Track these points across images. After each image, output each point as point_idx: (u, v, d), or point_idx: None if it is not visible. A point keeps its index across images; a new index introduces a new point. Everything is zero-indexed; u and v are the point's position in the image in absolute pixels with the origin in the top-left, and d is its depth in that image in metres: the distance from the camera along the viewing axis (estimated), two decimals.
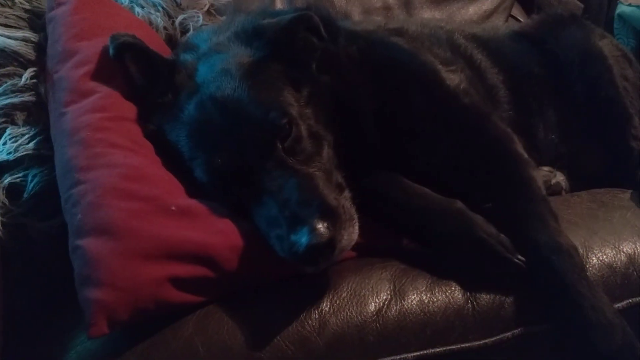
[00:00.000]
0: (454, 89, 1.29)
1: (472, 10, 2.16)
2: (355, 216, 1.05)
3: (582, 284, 1.05)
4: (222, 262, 0.96)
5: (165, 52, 1.31)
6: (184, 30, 1.57)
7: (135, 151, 1.03)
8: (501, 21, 2.17)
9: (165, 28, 1.56)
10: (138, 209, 0.95)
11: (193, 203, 1.02)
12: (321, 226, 0.95)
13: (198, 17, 1.57)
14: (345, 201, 1.06)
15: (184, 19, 1.57)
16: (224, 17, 1.69)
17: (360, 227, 1.05)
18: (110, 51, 1.12)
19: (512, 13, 2.24)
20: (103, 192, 0.95)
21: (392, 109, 1.24)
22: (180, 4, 1.61)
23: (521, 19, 2.19)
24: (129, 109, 1.11)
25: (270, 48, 1.15)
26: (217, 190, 1.06)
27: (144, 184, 0.99)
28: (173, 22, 1.58)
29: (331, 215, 0.98)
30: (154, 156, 1.07)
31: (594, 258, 1.16)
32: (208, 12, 1.68)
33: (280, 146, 1.06)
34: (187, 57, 1.18)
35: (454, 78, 1.31)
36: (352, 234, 1.02)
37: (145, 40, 1.18)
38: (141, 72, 1.16)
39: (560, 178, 1.50)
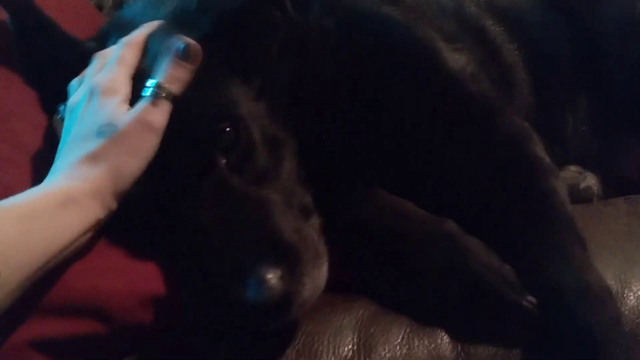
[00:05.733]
0: (457, 73, 1.02)
1: None
2: (324, 252, 0.81)
3: (616, 342, 0.78)
4: (115, 314, 0.71)
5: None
6: None
7: (16, 163, 0.79)
8: None
9: None
10: None
11: None
12: (272, 276, 0.70)
13: None
14: (311, 231, 0.82)
15: None
16: None
17: None
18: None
19: None
20: None
21: (374, 100, 0.97)
22: None
23: None
24: (19, 102, 0.86)
25: (214, 27, 0.88)
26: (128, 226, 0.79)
27: None
28: None
29: (288, 256, 0.74)
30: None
31: (631, 297, 0.88)
32: None
33: (224, 161, 0.80)
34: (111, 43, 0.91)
35: (458, 59, 1.04)
36: (317, 279, 0.77)
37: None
38: (44, 52, 0.91)
39: (591, 181, 1.24)
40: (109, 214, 0.73)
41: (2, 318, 0.63)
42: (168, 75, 0.78)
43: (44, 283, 0.68)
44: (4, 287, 0.60)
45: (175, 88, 0.78)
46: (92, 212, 0.70)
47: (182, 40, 0.80)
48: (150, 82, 0.78)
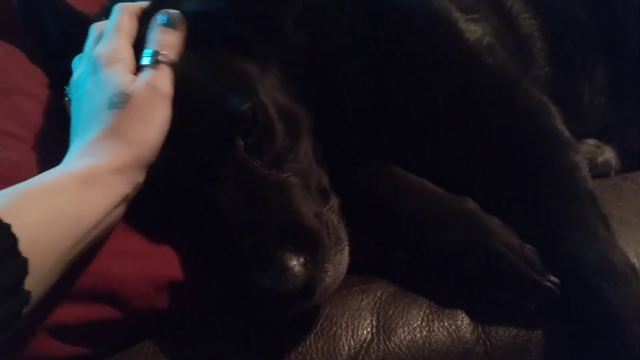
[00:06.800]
0: (474, 45, 0.98)
1: None
2: (345, 237, 0.79)
3: None
4: (131, 299, 0.70)
5: None
6: None
7: (22, 139, 0.76)
8: None
9: None
10: None
11: None
12: (295, 263, 0.68)
13: None
14: (331, 215, 0.80)
15: None
16: None
17: None
18: None
19: None
20: None
21: (389, 73, 0.94)
22: None
23: None
24: (24, 78, 0.83)
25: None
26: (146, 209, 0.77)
27: None
28: None
29: (310, 242, 0.72)
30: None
31: None
32: None
33: (242, 143, 0.77)
34: None
35: (475, 30, 1.00)
36: (340, 265, 0.76)
37: None
38: (52, 27, 0.88)
39: (609, 155, 1.21)
40: (136, 188, 0.71)
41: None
42: (160, 42, 0.78)
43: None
44: (35, 273, 0.58)
45: (171, 54, 0.78)
46: (117, 188, 0.68)
47: (165, 12, 0.81)
48: (146, 52, 0.77)
